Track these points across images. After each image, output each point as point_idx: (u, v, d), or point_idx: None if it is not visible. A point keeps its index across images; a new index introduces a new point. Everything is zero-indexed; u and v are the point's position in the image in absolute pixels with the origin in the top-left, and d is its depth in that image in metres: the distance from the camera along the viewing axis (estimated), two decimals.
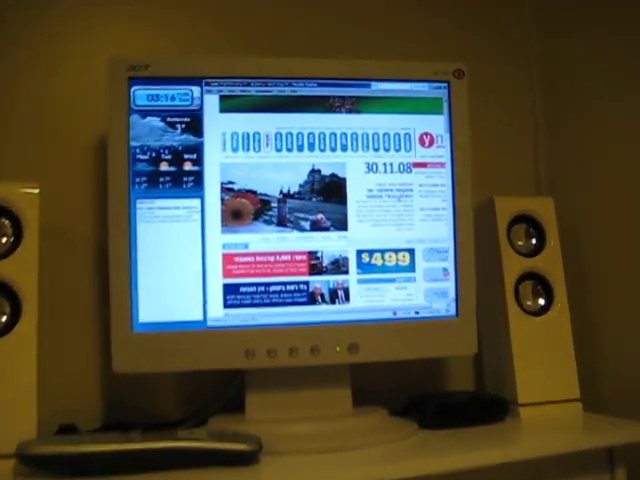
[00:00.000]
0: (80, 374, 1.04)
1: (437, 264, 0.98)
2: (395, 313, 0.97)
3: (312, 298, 0.95)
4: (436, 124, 0.99)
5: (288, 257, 0.95)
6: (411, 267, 0.97)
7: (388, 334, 0.96)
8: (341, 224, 0.96)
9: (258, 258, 0.94)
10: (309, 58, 0.98)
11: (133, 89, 0.93)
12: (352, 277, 0.96)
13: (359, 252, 0.96)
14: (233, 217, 0.94)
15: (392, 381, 1.11)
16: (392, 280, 0.97)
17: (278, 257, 0.95)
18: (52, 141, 1.05)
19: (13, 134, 1.03)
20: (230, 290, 0.94)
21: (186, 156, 0.94)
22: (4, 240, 0.89)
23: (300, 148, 0.96)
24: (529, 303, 1.06)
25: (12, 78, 1.04)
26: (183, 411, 1.06)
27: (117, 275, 0.91)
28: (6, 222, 0.89)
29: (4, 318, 0.87)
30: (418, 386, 1.11)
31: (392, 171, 0.98)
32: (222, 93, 0.95)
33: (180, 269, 0.93)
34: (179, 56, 1.02)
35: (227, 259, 0.94)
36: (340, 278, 0.96)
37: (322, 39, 1.13)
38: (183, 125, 0.94)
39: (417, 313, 0.98)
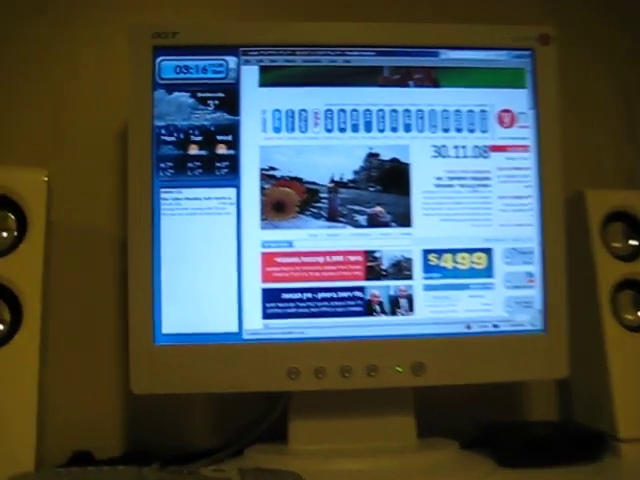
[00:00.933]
0: (98, 393, 0.90)
1: (520, 267, 0.81)
2: (469, 327, 0.80)
3: (369, 308, 0.79)
4: (518, 100, 0.82)
5: (340, 258, 0.79)
6: (488, 271, 0.81)
7: (460, 352, 0.79)
8: (404, 219, 0.80)
9: (304, 259, 0.79)
10: (365, 22, 0.82)
11: (158, 60, 0.79)
12: (417, 283, 0.80)
13: (425, 252, 0.80)
14: (275, 210, 0.79)
15: (459, 406, 0.93)
16: (465, 287, 0.80)
17: (328, 258, 0.79)
18: (65, 123, 0.92)
19: (22, 114, 0.91)
20: (270, 297, 0.78)
21: (219, 137, 0.79)
22: (5, 235, 0.75)
23: (355, 128, 0.81)
24: (629, 317, 0.88)
25: (20, 50, 0.92)
26: (217, 437, 0.91)
27: (136, 278, 0.77)
28: (8, 214, 0.76)
29: (1, 327, 0.73)
30: (490, 413, 0.93)
31: (465, 155, 0.82)
32: (262, 64, 0.81)
33: (211, 271, 0.78)
34: (212, 21, 0.87)
35: (267, 260, 0.79)
36: (402, 284, 0.80)
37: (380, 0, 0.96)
38: (216, 101, 0.79)
39: (496, 327, 0.81)
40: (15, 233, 0.76)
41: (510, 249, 0.81)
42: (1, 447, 0.69)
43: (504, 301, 0.81)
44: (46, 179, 0.77)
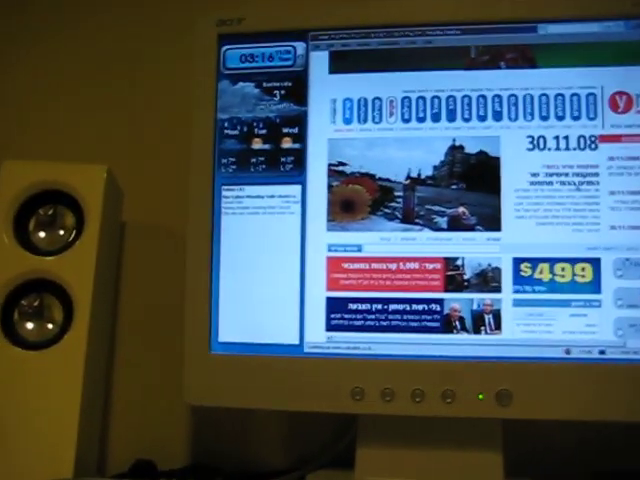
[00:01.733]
0: (164, 400, 0.85)
1: (636, 282, 0.67)
2: (568, 351, 0.67)
3: (447, 323, 0.69)
4: (636, 80, 0.69)
5: (416, 265, 0.70)
6: (594, 285, 0.67)
7: (556, 381, 0.66)
8: (492, 221, 0.69)
9: (375, 265, 0.70)
10: None
11: (224, 49, 0.74)
12: (506, 296, 0.68)
13: (517, 261, 0.68)
14: (343, 209, 0.71)
15: (560, 444, 0.80)
16: (565, 303, 0.67)
17: (402, 264, 0.70)
18: (126, 117, 0.90)
19: (80, 109, 0.89)
20: (335, 307, 0.70)
21: (285, 130, 0.72)
22: (61, 232, 0.73)
23: (436, 117, 0.71)
24: None
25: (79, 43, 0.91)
26: (285, 455, 0.84)
27: (193, 280, 0.72)
28: (66, 211, 0.74)
29: (51, 326, 0.70)
30: (600, 456, 0.79)
31: (568, 147, 0.69)
32: (333, 48, 0.73)
33: (272, 276, 0.71)
34: (280, 5, 0.80)
35: (333, 265, 0.71)
36: (488, 297, 0.68)
37: None
38: (283, 91, 0.73)
39: (602, 353, 0.67)
40: (74, 232, 0.73)
41: (623, 259, 0.67)
42: (41, 450, 0.66)
43: (614, 322, 0.67)
44: (105, 175, 0.74)
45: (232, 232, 0.72)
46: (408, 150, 0.71)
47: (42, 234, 0.73)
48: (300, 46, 0.73)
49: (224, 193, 0.73)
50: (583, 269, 0.67)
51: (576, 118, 0.69)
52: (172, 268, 0.84)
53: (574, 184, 0.68)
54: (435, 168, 0.70)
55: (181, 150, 0.83)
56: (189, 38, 0.75)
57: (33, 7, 0.93)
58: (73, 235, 0.73)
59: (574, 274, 0.68)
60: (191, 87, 0.74)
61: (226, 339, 0.71)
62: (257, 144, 0.73)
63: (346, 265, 0.71)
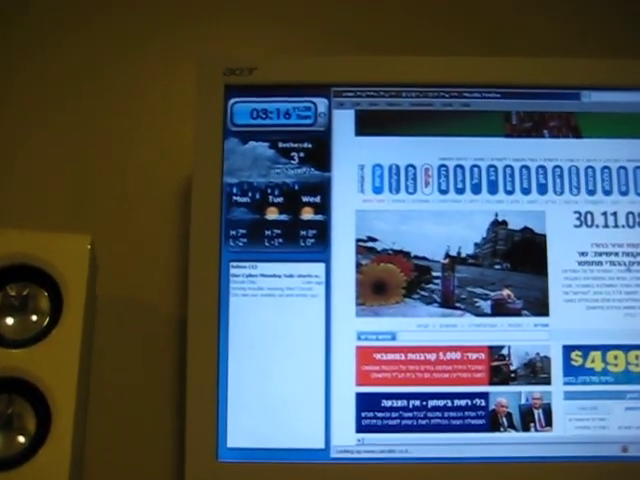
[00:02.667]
0: None
1: None
2: (625, 449, 0.61)
3: (494, 421, 0.61)
4: None
5: (457, 355, 0.62)
6: None
7: None
8: (539, 305, 0.62)
9: (411, 356, 0.62)
10: (487, 57, 0.66)
11: (232, 102, 0.64)
12: (556, 389, 0.61)
13: (567, 349, 0.62)
14: (374, 292, 0.62)
15: None
16: (620, 395, 0.62)
17: (442, 355, 0.62)
18: (115, 181, 0.75)
19: (64, 172, 0.75)
20: (367, 404, 0.61)
21: (305, 199, 0.63)
22: (34, 318, 0.60)
23: (476, 189, 0.64)
24: None
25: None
26: None
27: (196, 375, 0.60)
28: (42, 291, 0.60)
29: (22, 439, 0.57)
30: None
31: (616, 225, 0.64)
32: (360, 107, 0.65)
33: (291, 369, 0.61)
34: (298, 55, 0.71)
35: (364, 356, 0.61)
36: (537, 390, 0.61)
37: (501, 31, 0.76)
38: (302, 154, 0.64)
39: None
40: (48, 317, 0.60)
41: None
42: None
43: None
44: (89, 248, 0.62)
45: (243, 318, 0.62)
46: (446, 225, 0.63)
47: (10, 320, 0.59)
48: (322, 103, 0.64)
49: (233, 271, 0.62)
50: (637, 357, 0.62)
51: (624, 193, 0.64)
52: (155, 353, 0.71)
53: (624, 264, 0.63)
54: (476, 246, 0.63)
55: (168, 214, 0.72)
56: (189, 87, 0.64)
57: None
58: (48, 321, 0.59)
59: (628, 363, 0.62)
60: (192, 145, 0.64)
61: (236, 444, 0.60)
62: (272, 214, 0.63)
63: (378, 356, 0.62)
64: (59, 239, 0.61)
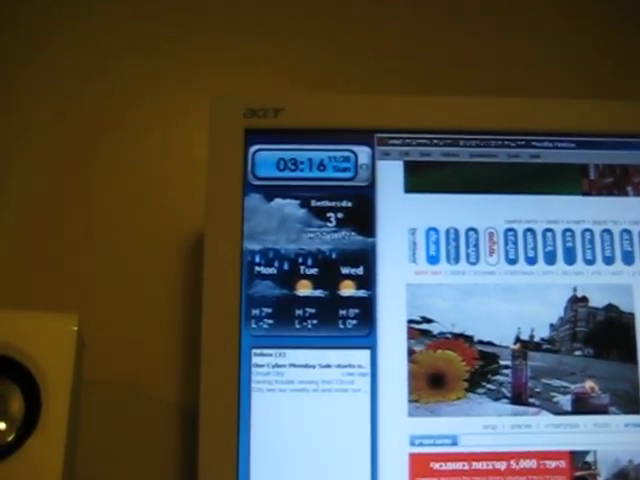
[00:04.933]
0: None
1: None
2: None
3: None
4: None
5: (533, 463, 0.50)
6: None
7: None
8: (630, 401, 0.51)
9: (476, 465, 0.50)
10: (560, 98, 0.55)
11: (253, 150, 0.53)
12: None
13: None
14: (431, 385, 0.51)
15: None
16: None
17: (514, 463, 0.50)
18: (109, 243, 0.62)
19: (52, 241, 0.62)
20: None
21: (345, 270, 0.51)
22: (3, 427, 0.47)
23: (550, 258, 0.53)
24: None
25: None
26: None
27: None
28: (13, 389, 0.47)
29: None
30: None
31: None
32: (409, 158, 0.53)
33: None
34: (333, 94, 0.58)
35: (418, 465, 0.50)
36: None
37: (579, 70, 0.65)
38: (340, 214, 0.52)
39: None
40: (21, 423, 0.47)
41: None
42: None
43: None
44: (75, 330, 0.49)
45: (267, 418, 0.49)
46: (516, 302, 0.52)
47: None
48: (363, 152, 0.53)
49: (255, 360, 0.50)
50: None
51: None
52: (154, 453, 0.58)
53: None
54: (552, 327, 0.52)
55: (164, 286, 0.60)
56: (201, 130, 0.53)
57: None
58: (21, 428, 0.47)
59: None
60: (205, 201, 0.52)
61: None
62: (304, 289, 0.51)
63: (437, 465, 0.50)
64: (37, 320, 0.49)
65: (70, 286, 0.58)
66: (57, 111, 0.63)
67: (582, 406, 0.51)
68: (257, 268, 0.51)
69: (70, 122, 0.63)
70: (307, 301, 0.51)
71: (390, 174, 0.53)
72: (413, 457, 0.50)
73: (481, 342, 0.51)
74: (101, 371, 0.58)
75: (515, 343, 0.52)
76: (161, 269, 0.60)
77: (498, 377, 0.51)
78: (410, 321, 0.51)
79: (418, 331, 0.51)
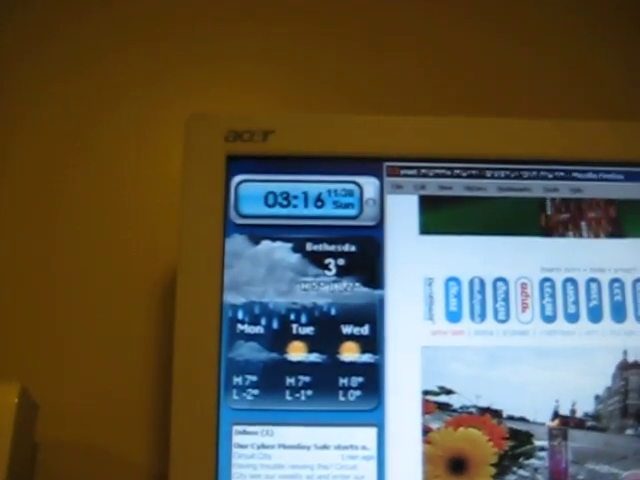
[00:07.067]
0: None
1: None
2: None
3: None
4: None
5: None
6: None
7: None
8: None
9: None
10: (606, 121, 0.46)
11: (237, 181, 0.44)
12: None
13: None
14: (451, 471, 0.42)
15: None
16: None
17: None
18: (76, 287, 0.53)
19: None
20: None
21: (347, 330, 0.42)
22: None
23: (595, 314, 0.44)
24: None
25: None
26: None
27: None
28: None
29: None
30: None
31: None
32: (425, 192, 0.44)
33: None
34: (332, 115, 0.49)
35: None
36: None
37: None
38: (341, 261, 0.43)
39: None
40: None
41: None
42: None
43: None
44: (17, 401, 0.41)
45: None
46: (553, 369, 0.43)
47: None
48: (370, 184, 0.44)
49: (237, 439, 0.41)
50: None
51: None
52: None
53: None
54: (598, 400, 0.43)
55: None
56: (172, 154, 0.44)
57: None
58: None
59: None
60: (177, 243, 0.43)
61: None
62: (297, 353, 0.42)
63: None
64: None
65: (21, 341, 0.49)
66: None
67: None
68: (240, 326, 0.42)
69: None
70: (300, 367, 0.42)
71: (402, 211, 0.44)
72: None
73: (512, 418, 0.42)
74: (59, 433, 0.50)
75: (553, 419, 0.43)
76: (130, 316, 0.51)
77: (532, 461, 0.42)
78: (425, 392, 0.42)
79: (435, 404, 0.42)
